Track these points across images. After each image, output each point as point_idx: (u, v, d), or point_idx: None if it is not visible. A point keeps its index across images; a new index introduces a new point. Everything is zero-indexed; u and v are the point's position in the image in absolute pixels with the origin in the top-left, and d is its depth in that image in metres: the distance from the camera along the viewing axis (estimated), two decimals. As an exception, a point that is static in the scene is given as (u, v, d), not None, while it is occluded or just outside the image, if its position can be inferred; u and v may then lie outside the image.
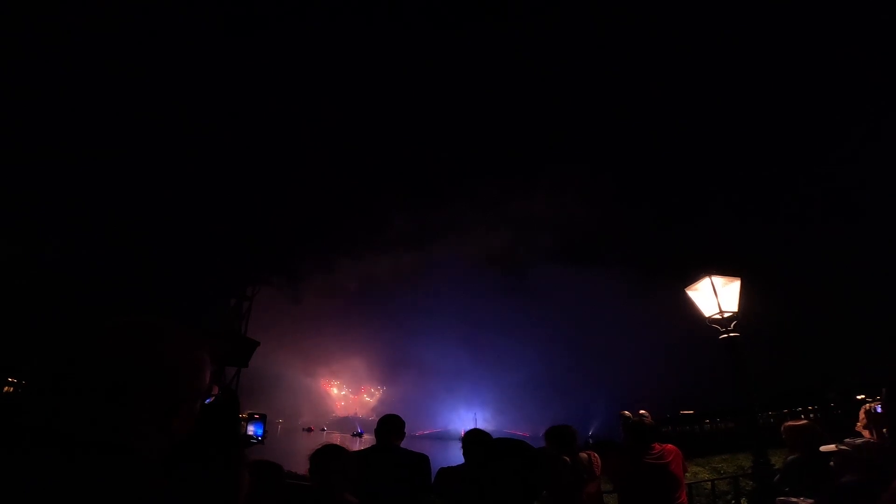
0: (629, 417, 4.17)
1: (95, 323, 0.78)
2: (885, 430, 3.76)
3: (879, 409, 4.01)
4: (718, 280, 5.38)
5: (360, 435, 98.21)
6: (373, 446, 3.55)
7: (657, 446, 3.88)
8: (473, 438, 3.59)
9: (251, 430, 1.79)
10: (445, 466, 3.51)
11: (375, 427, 3.62)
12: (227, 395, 2.50)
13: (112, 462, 0.66)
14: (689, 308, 5.73)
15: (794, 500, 3.41)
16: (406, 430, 3.70)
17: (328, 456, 2.58)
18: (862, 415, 4.20)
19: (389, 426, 3.56)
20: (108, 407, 0.71)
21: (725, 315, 5.23)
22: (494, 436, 3.62)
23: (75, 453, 0.65)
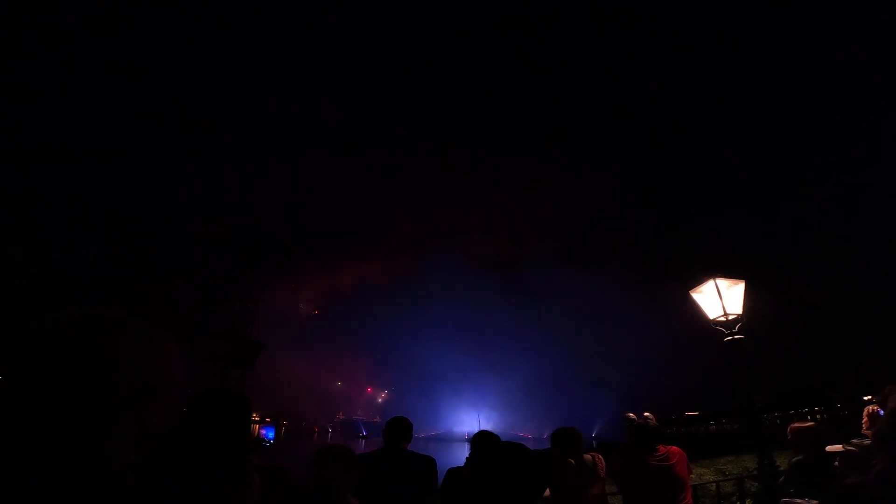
0: (633, 419, 4.19)
1: (50, 319, 0.79)
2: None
3: (882, 412, 4.02)
4: (723, 282, 5.38)
5: (364, 437, 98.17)
6: (380, 448, 3.58)
7: (661, 448, 3.90)
8: (481, 440, 3.62)
9: (262, 433, 1.82)
10: (454, 467, 3.54)
11: (383, 429, 3.65)
12: (237, 397, 2.53)
13: (91, 462, 0.68)
14: (694, 310, 5.74)
15: (798, 501, 3.42)
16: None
17: (331, 456, 2.61)
18: (865, 416, 4.21)
19: (396, 428, 3.59)
20: (67, 405, 0.72)
21: (730, 317, 5.23)
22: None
23: (51, 453, 0.67)
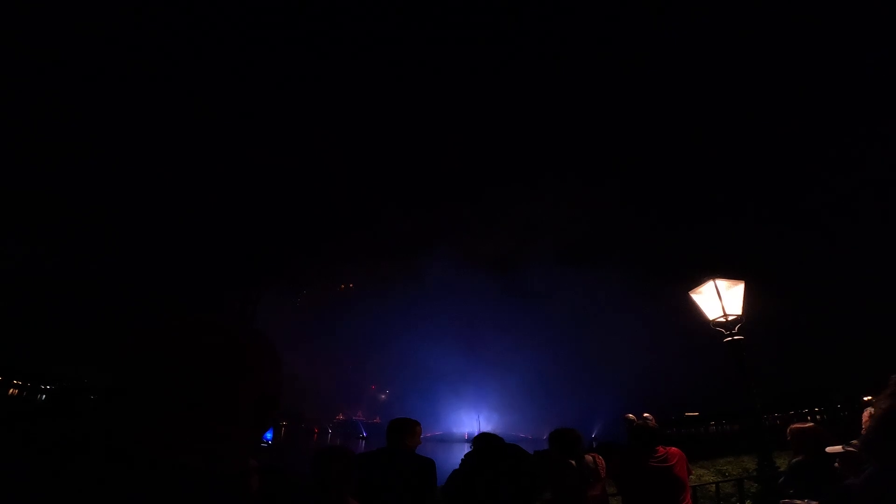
0: (633, 420, 4.18)
1: (174, 327, 0.79)
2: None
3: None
4: (722, 283, 5.38)
5: (364, 438, 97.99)
6: (379, 449, 3.57)
7: (661, 449, 3.89)
8: (479, 441, 3.62)
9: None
10: (457, 469, 3.53)
11: (385, 429, 3.64)
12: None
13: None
14: (694, 310, 5.74)
15: (798, 502, 3.40)
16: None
17: (331, 456, 2.60)
18: (866, 417, 4.20)
19: (398, 430, 3.58)
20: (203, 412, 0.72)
21: (730, 318, 5.23)
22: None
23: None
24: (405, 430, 3.59)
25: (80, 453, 0.65)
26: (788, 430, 4.09)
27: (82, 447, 0.66)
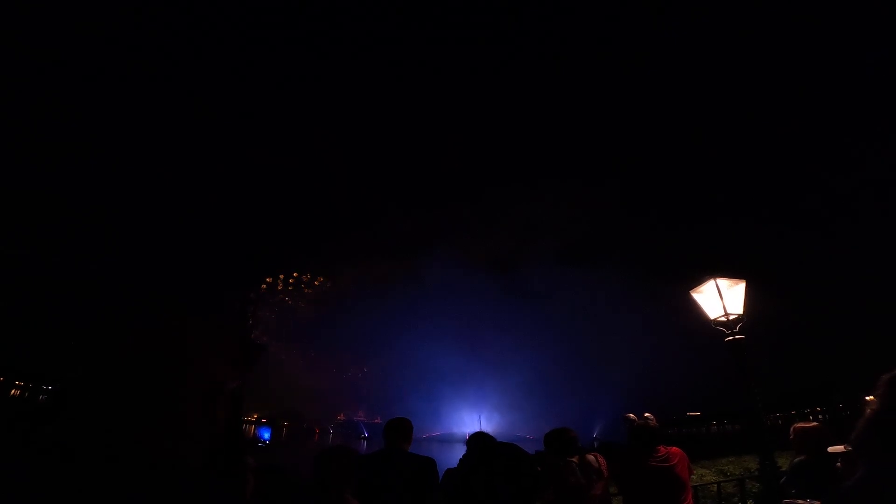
0: (633, 420, 4.17)
1: (125, 326, 0.79)
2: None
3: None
4: (723, 282, 5.36)
5: (365, 438, 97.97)
6: (380, 450, 3.57)
7: (662, 449, 3.89)
8: (476, 441, 3.61)
9: (258, 433, 1.80)
10: (452, 467, 3.53)
11: (383, 430, 3.65)
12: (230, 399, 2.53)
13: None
14: (695, 310, 5.72)
15: (800, 502, 3.40)
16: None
17: (332, 457, 2.61)
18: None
19: (396, 429, 3.58)
20: (147, 404, 0.73)
21: (731, 317, 5.21)
22: (499, 438, 3.65)
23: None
24: (404, 430, 3.60)
25: (79, 453, 0.65)
26: (792, 429, 4.08)
27: (82, 447, 0.66)
